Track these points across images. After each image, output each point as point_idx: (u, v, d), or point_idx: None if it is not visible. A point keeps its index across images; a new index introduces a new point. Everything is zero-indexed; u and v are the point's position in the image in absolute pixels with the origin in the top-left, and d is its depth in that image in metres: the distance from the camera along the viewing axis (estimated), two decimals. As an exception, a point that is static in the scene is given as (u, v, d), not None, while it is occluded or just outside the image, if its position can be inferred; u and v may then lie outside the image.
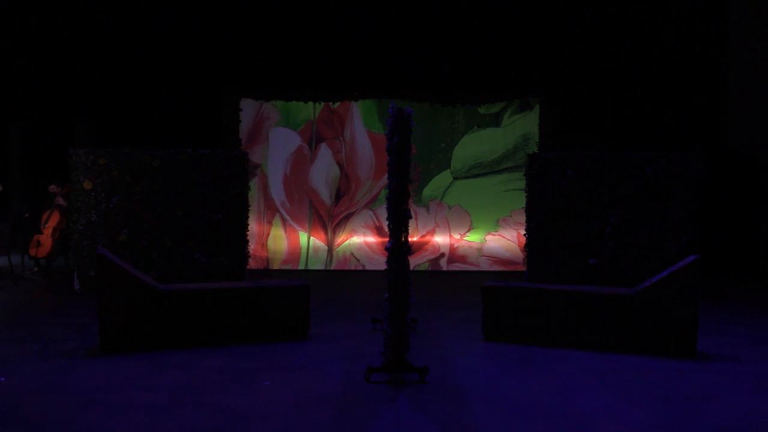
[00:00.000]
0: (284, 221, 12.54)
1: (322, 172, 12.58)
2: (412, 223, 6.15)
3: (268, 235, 12.48)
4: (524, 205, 9.94)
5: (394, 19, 12.62)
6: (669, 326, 6.71)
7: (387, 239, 6.04)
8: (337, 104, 12.56)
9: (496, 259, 12.56)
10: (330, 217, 12.57)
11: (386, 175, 6.14)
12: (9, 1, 13.11)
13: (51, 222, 11.30)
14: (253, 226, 11.99)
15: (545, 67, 12.72)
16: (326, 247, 12.57)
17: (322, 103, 12.56)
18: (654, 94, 12.77)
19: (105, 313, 6.67)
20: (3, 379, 5.87)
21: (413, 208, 12.21)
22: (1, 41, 13.57)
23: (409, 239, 6.00)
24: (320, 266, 12.51)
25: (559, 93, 12.59)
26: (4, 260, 10.85)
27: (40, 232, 11.27)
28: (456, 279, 11.79)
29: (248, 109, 12.51)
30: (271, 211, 12.52)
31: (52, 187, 11.51)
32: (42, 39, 13.46)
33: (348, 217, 12.58)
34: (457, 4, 12.63)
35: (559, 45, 12.72)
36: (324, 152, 12.57)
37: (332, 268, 12.52)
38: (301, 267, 12.47)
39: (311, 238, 12.55)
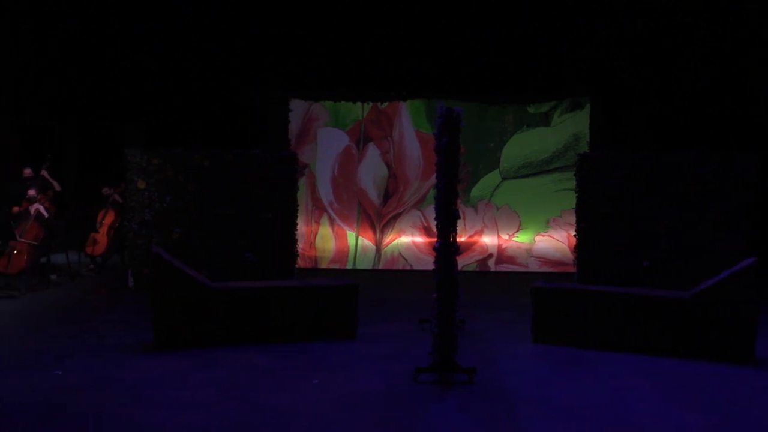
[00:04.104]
0: (332, 221, 12.62)
1: (370, 172, 12.62)
2: (459, 224, 6.11)
3: (316, 234, 12.58)
4: (574, 206, 9.81)
5: (443, 18, 12.57)
6: (726, 330, 6.53)
7: (435, 239, 6.03)
8: (386, 104, 12.59)
9: (545, 260, 12.41)
10: (378, 216, 12.60)
11: (434, 175, 6.13)
12: (61, 7, 13.47)
13: (107, 220, 11.60)
14: (301, 226, 12.07)
15: (596, 65, 12.51)
16: (374, 247, 12.60)
17: (371, 104, 12.60)
18: (707, 92, 12.45)
19: (158, 310, 6.81)
20: (60, 372, 6.05)
21: (461, 208, 12.13)
22: (57, 47, 13.98)
23: (457, 239, 5.98)
24: (368, 266, 12.54)
25: (611, 91, 12.37)
26: (62, 257, 11.17)
27: (96, 231, 11.58)
28: (504, 280, 11.69)
29: (297, 109, 12.62)
30: (319, 210, 12.61)
31: (106, 190, 11.82)
32: (94, 44, 13.82)
33: (396, 217, 12.59)
34: (506, 3, 12.52)
35: (610, 42, 12.48)
36: (372, 152, 12.61)
37: (380, 267, 12.55)
38: (349, 266, 12.53)
39: (359, 237, 12.60)
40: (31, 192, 10.28)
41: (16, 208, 10.20)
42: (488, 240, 12.50)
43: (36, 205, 10.16)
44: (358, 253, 12.59)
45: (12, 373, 6.06)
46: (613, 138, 11.95)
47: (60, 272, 11.04)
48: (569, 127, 12.41)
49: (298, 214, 10.53)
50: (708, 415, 5.15)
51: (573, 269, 10.84)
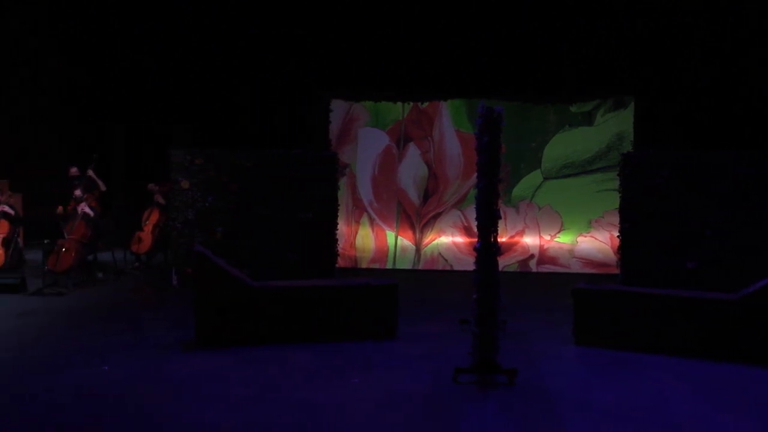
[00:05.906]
0: (372, 220, 12.63)
1: (411, 171, 12.60)
2: (500, 224, 6.05)
3: (356, 234, 12.61)
4: (617, 206, 9.65)
5: (484, 18, 12.49)
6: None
7: (475, 239, 5.99)
8: (426, 104, 12.55)
9: (587, 261, 12.24)
10: (418, 216, 12.58)
11: (475, 175, 6.09)
12: (109, 10, 13.75)
13: (151, 219, 11.81)
14: (341, 225, 12.09)
15: (640, 64, 12.29)
16: (414, 247, 12.57)
17: (411, 104, 12.58)
18: (755, 91, 12.12)
19: (201, 308, 6.90)
20: (106, 368, 6.17)
21: (502, 208, 12.03)
22: (104, 50, 14.28)
23: (498, 240, 5.93)
24: (408, 266, 12.52)
25: (656, 89, 12.14)
26: (108, 256, 11.40)
27: (141, 229, 11.80)
28: (546, 281, 11.55)
29: (338, 109, 12.67)
30: (359, 210, 12.64)
31: (151, 186, 12.04)
32: (141, 49, 14.08)
33: (436, 217, 12.55)
34: (547, 3, 12.38)
35: (655, 40, 12.25)
36: (412, 152, 12.59)
37: (420, 267, 12.52)
38: (389, 266, 12.52)
39: (399, 237, 12.59)
40: (77, 192, 10.52)
41: (60, 208, 10.43)
42: (529, 240, 12.38)
43: (82, 205, 10.38)
44: (397, 253, 12.58)
45: (59, 368, 6.20)
46: (657, 137, 11.71)
47: (106, 270, 11.26)
48: (612, 127, 12.22)
49: (339, 214, 10.57)
50: (754, 420, 5.02)
51: (616, 270, 10.66)
